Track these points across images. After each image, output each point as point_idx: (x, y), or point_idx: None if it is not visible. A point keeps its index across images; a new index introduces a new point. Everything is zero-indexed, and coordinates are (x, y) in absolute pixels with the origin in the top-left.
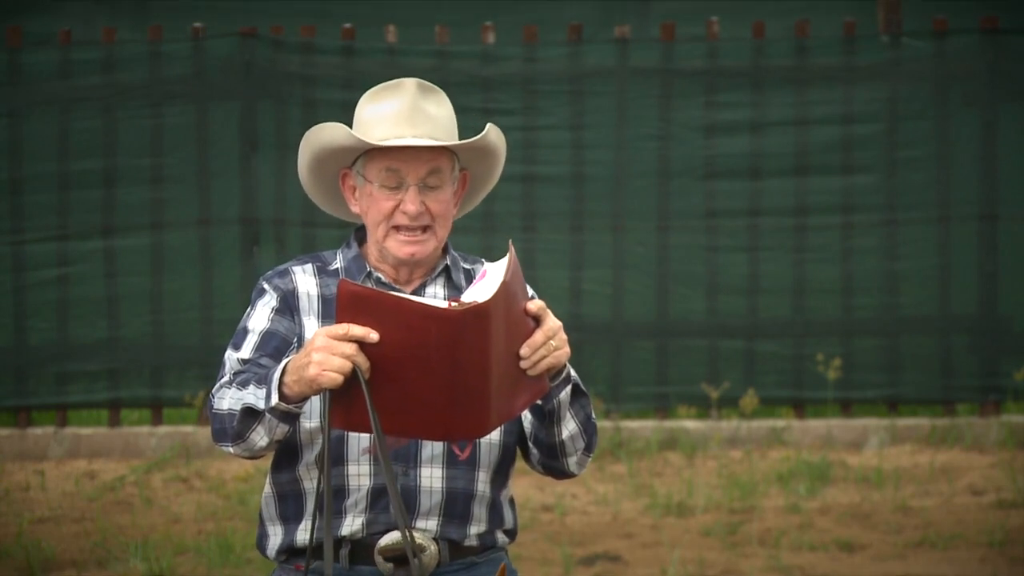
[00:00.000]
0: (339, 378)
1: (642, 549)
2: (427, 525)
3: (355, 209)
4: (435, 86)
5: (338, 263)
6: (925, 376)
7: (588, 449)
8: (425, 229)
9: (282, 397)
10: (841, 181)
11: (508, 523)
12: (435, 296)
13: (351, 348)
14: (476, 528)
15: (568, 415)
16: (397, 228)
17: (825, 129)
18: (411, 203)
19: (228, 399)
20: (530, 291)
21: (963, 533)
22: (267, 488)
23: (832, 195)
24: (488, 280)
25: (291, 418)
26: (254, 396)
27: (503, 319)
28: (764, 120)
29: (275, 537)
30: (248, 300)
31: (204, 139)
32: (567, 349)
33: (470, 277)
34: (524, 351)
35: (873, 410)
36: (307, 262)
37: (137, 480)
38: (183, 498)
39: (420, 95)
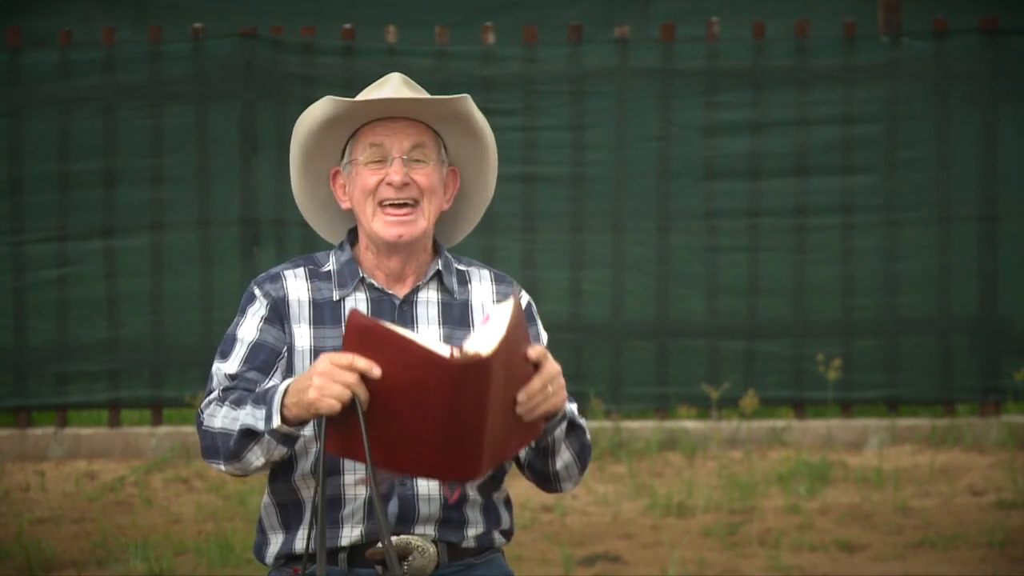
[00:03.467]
0: (337, 405)
1: (642, 549)
2: (426, 531)
3: (345, 205)
4: (418, 85)
5: (331, 265)
6: (925, 376)
7: (582, 472)
8: (412, 207)
9: (282, 419)
10: (841, 181)
11: (504, 524)
12: (428, 301)
13: (352, 378)
14: (473, 530)
15: (563, 447)
16: (383, 205)
17: (825, 129)
18: (395, 173)
19: (220, 417)
20: (541, 331)
21: (963, 533)
22: (266, 498)
23: (832, 195)
24: (492, 326)
25: (291, 440)
26: (252, 416)
27: (503, 368)
28: (764, 120)
29: (275, 544)
30: None
31: (204, 139)
32: (564, 394)
33: (464, 280)
34: (521, 397)
35: (873, 410)
36: (299, 265)
37: (137, 480)
38: (183, 498)
39: (405, 85)
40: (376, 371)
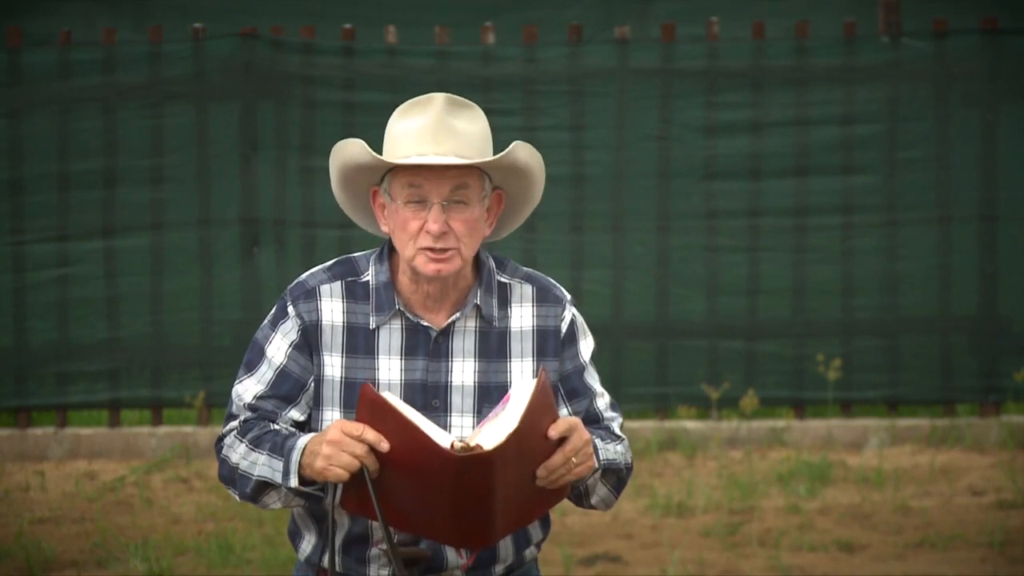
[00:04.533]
0: (345, 475)
1: (642, 549)
2: (454, 573)
3: (384, 228)
4: (468, 102)
5: (369, 277)
6: (925, 376)
7: (619, 496)
8: (448, 249)
9: (299, 480)
10: (841, 181)
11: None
12: (464, 330)
13: (361, 449)
14: (502, 565)
15: (598, 486)
16: (423, 248)
17: (825, 129)
18: (434, 222)
19: (239, 455)
20: (583, 349)
21: (963, 533)
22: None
23: (832, 195)
24: (508, 413)
25: (307, 496)
26: (269, 468)
27: (514, 456)
28: (764, 120)
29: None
30: (249, 300)
31: (204, 139)
32: (591, 462)
33: (505, 300)
34: (541, 472)
35: (873, 410)
36: (337, 277)
37: (137, 480)
38: (183, 499)
39: (448, 111)
40: (384, 445)
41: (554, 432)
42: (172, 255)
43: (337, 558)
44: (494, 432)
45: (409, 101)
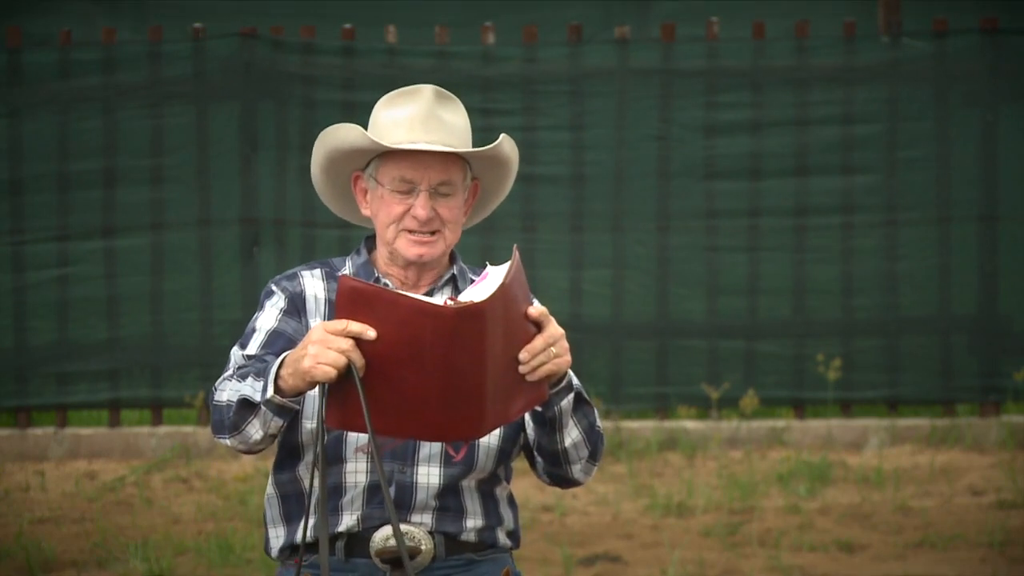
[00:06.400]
0: (332, 371)
1: (642, 549)
2: (422, 519)
3: (366, 212)
4: (452, 95)
5: (347, 269)
6: (925, 376)
7: (593, 457)
8: (434, 232)
9: (277, 390)
10: (841, 181)
11: (508, 523)
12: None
13: (347, 343)
14: (473, 522)
15: (571, 423)
16: (407, 230)
17: (825, 129)
18: (421, 208)
19: (227, 391)
20: (535, 302)
21: (963, 533)
22: (269, 489)
23: (832, 195)
24: (488, 281)
25: (286, 412)
26: (251, 388)
27: (501, 322)
28: (764, 120)
29: (277, 539)
30: (249, 300)
31: (204, 140)
32: (568, 357)
33: None
34: (523, 356)
35: (873, 410)
36: (316, 267)
37: (137, 480)
38: (183, 498)
39: (436, 102)
40: (371, 333)
41: (533, 311)
42: (172, 255)
43: (311, 520)
44: (479, 293)
45: (395, 91)
